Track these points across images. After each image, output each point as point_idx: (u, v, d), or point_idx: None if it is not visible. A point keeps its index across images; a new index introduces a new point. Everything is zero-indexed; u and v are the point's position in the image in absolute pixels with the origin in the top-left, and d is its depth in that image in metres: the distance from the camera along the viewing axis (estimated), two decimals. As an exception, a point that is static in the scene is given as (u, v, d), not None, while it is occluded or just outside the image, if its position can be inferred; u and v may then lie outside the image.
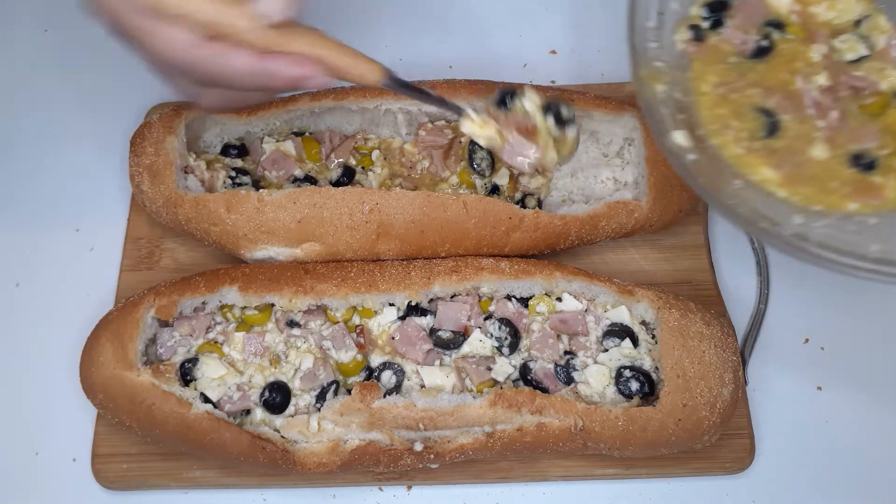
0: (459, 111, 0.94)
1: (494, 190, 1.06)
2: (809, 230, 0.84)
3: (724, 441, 0.97)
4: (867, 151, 0.89)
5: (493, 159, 1.07)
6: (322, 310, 0.98)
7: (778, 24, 0.96)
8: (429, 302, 0.98)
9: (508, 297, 0.99)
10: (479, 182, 1.07)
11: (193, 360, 0.95)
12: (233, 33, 0.78)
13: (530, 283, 0.98)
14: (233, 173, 1.07)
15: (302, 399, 0.94)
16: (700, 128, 0.90)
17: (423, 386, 0.94)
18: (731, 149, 0.90)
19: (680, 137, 0.87)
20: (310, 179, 1.07)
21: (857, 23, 0.96)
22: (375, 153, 1.09)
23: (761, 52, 0.95)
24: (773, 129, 0.90)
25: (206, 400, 0.93)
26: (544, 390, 0.94)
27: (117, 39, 0.84)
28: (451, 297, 0.98)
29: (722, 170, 0.88)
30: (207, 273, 0.99)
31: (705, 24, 0.96)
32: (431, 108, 1.07)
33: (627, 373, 0.93)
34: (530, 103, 0.92)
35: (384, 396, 0.92)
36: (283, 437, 0.92)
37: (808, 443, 1.00)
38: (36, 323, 1.09)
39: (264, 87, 0.82)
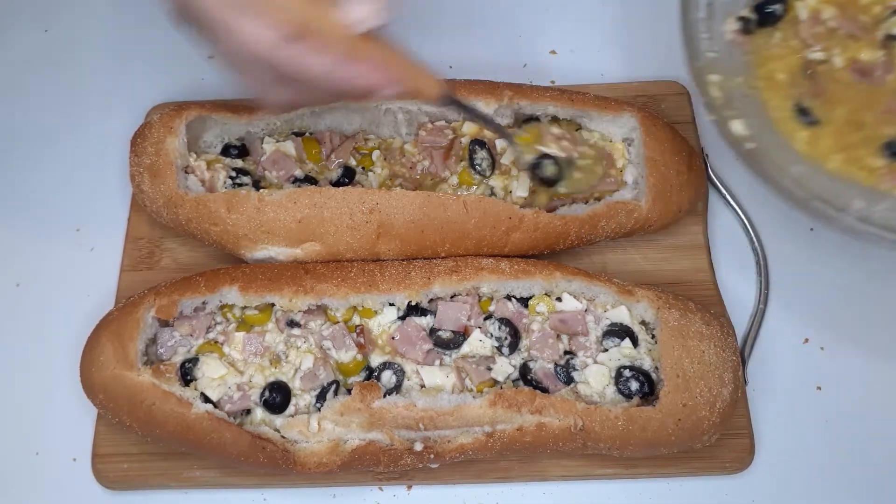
0: (508, 137, 0.97)
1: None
2: (871, 213, 0.88)
3: (724, 441, 0.96)
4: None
5: (494, 159, 1.07)
6: (322, 310, 0.98)
7: None
8: (429, 302, 0.99)
9: (508, 297, 0.99)
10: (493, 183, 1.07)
11: (194, 360, 0.95)
12: (319, 35, 0.78)
13: (530, 283, 0.98)
14: (233, 173, 1.07)
15: (302, 399, 0.94)
16: (763, 115, 0.95)
17: (423, 386, 0.94)
18: (796, 131, 0.95)
19: (739, 127, 0.91)
20: (310, 180, 1.07)
21: None
22: (376, 153, 1.09)
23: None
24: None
25: (207, 400, 0.93)
26: (544, 390, 0.94)
27: (186, 29, 0.83)
28: (451, 297, 0.98)
29: (782, 155, 0.92)
30: (208, 273, 0.99)
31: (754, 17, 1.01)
32: (432, 108, 1.07)
33: (627, 373, 0.93)
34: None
35: (384, 396, 0.92)
36: (283, 437, 0.92)
37: (808, 443, 1.00)
38: (36, 323, 1.09)
39: (339, 92, 0.82)
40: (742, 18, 1.02)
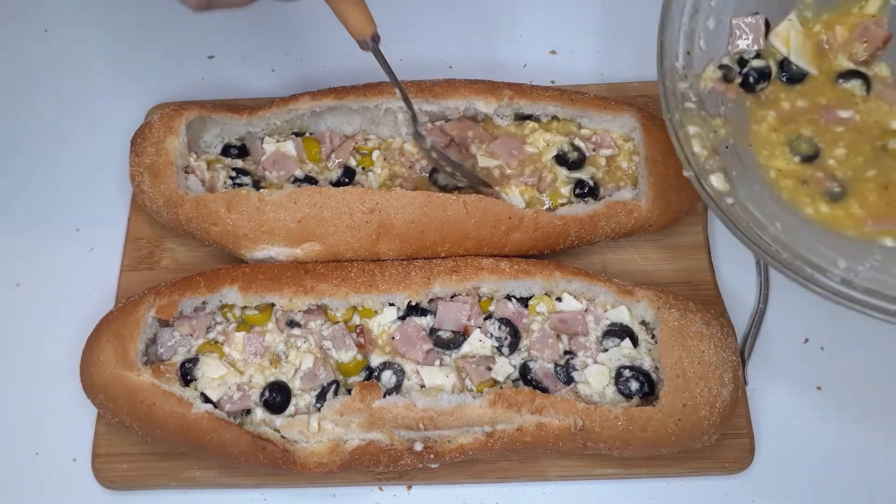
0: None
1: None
2: (855, 275, 0.82)
3: (724, 441, 0.97)
4: None
5: None
6: (322, 310, 0.98)
7: None
8: (429, 302, 0.99)
9: (508, 297, 0.99)
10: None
11: (194, 360, 0.95)
12: None
13: (530, 283, 0.98)
14: (233, 173, 1.07)
15: (302, 399, 0.94)
16: (749, 163, 0.90)
17: (423, 386, 0.94)
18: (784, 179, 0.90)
19: (717, 181, 0.86)
20: (310, 180, 1.07)
21: None
22: (376, 153, 1.09)
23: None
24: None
25: (207, 400, 0.93)
26: (544, 390, 0.94)
27: None
28: (451, 297, 0.98)
29: (763, 210, 0.87)
30: (208, 273, 0.99)
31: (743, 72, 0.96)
32: (432, 108, 1.07)
33: (627, 373, 0.93)
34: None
35: (384, 396, 0.92)
36: (283, 437, 0.92)
37: (808, 442, 1.00)
38: (36, 323, 1.09)
39: None
40: (723, 66, 0.97)
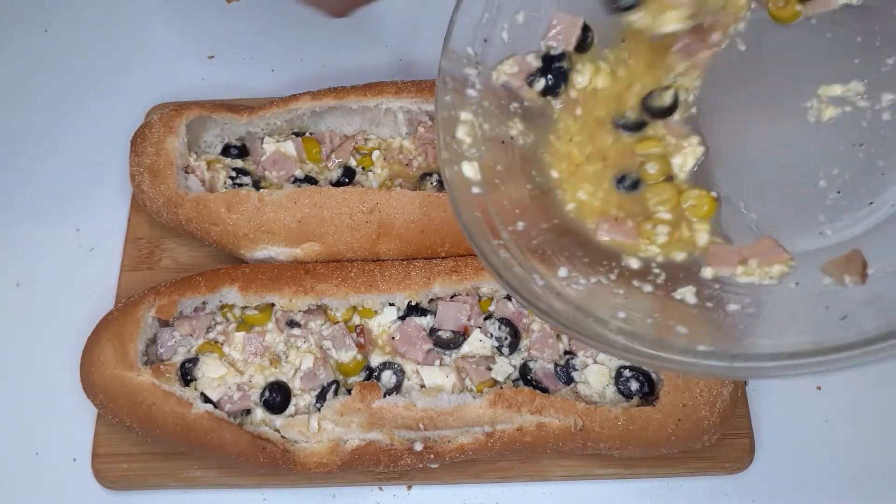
0: None
1: None
2: (567, 286, 0.76)
3: (724, 441, 0.97)
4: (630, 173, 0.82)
5: None
6: (322, 310, 0.98)
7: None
8: (429, 302, 0.99)
9: (508, 297, 0.99)
10: None
11: (194, 360, 0.95)
12: None
13: (530, 283, 0.98)
14: (233, 173, 1.07)
15: (302, 399, 0.94)
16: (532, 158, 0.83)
17: (423, 386, 0.94)
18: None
19: (469, 170, 0.80)
20: (310, 180, 1.07)
21: None
22: (376, 153, 1.09)
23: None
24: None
25: (207, 400, 0.93)
26: (544, 390, 0.94)
27: None
28: (451, 297, 0.98)
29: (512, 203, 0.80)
30: (208, 273, 0.99)
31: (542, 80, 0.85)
32: (432, 107, 1.07)
33: (627, 372, 0.93)
34: None
35: (384, 396, 0.92)
36: (283, 437, 0.92)
37: (808, 443, 1.00)
38: (36, 323, 1.09)
39: None
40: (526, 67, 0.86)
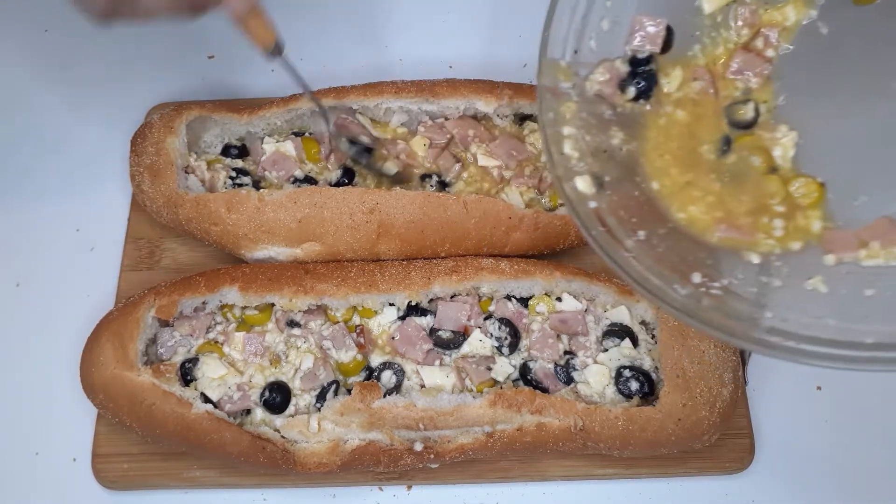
0: (327, 120, 0.99)
1: None
2: (707, 291, 0.75)
3: (724, 441, 0.96)
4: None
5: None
6: (322, 310, 0.98)
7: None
8: (429, 302, 0.99)
9: (508, 297, 0.99)
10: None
11: (194, 360, 0.95)
12: None
13: (530, 282, 0.98)
14: (233, 173, 1.07)
15: (302, 399, 0.94)
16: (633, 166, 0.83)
17: (423, 386, 0.94)
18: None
19: (583, 184, 0.80)
20: (310, 180, 1.07)
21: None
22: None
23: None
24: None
25: (207, 400, 0.93)
26: (544, 390, 0.94)
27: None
28: (451, 297, 0.98)
29: (629, 215, 0.80)
30: (208, 273, 0.99)
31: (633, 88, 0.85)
32: (432, 107, 1.07)
33: (627, 373, 0.93)
34: None
35: (384, 396, 0.92)
36: (283, 437, 0.92)
37: (808, 443, 1.00)
38: (36, 323, 1.09)
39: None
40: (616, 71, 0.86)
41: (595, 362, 0.95)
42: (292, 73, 0.94)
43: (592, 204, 0.79)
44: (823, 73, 0.84)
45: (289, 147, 1.08)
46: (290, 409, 0.94)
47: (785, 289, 0.76)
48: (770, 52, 0.84)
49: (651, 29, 0.85)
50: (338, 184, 1.06)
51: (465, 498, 0.98)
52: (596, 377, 0.94)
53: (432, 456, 0.91)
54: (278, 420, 0.93)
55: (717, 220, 0.80)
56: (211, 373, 0.94)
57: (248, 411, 0.94)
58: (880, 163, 0.82)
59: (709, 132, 0.84)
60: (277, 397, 0.93)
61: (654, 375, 0.94)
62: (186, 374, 0.94)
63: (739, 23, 0.85)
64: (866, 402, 1.02)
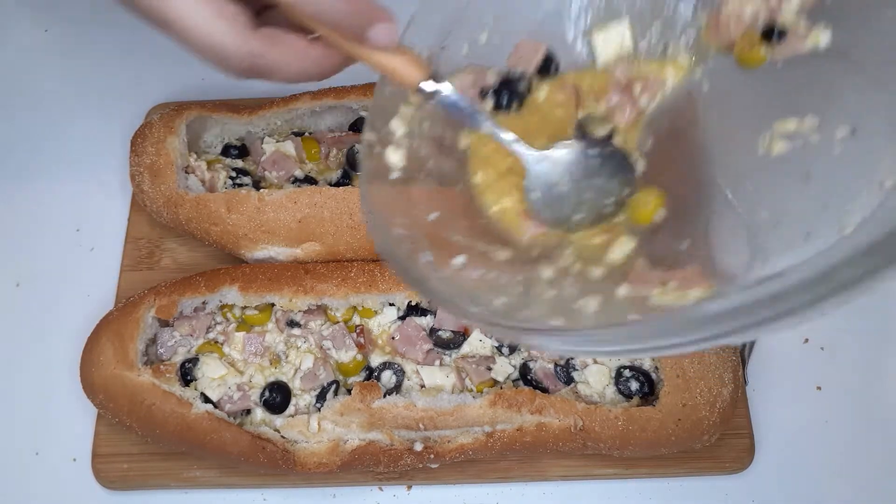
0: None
1: None
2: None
3: (724, 441, 0.96)
4: None
5: None
6: (322, 310, 0.98)
7: None
8: (429, 302, 0.98)
9: (508, 297, 0.99)
10: None
11: (194, 360, 0.95)
12: None
13: (530, 283, 0.98)
14: (233, 173, 1.07)
15: (302, 399, 0.94)
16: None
17: (423, 386, 0.94)
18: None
19: (394, 155, 0.73)
20: (310, 180, 1.07)
21: None
22: (375, 153, 1.09)
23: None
24: None
25: (207, 400, 0.93)
26: (544, 390, 0.94)
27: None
28: (452, 297, 0.98)
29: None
30: (208, 273, 0.99)
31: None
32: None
33: (627, 372, 0.93)
34: None
35: (384, 396, 0.92)
36: (283, 437, 0.92)
37: (808, 443, 1.00)
38: (36, 323, 1.09)
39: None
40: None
41: (595, 362, 0.95)
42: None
43: (395, 175, 0.73)
44: (691, 127, 0.78)
45: (289, 147, 1.08)
46: (290, 409, 0.94)
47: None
48: (644, 101, 0.76)
49: (530, 50, 0.78)
50: (338, 184, 1.06)
51: (465, 498, 0.98)
52: (596, 377, 0.94)
53: (432, 456, 0.91)
54: (278, 420, 0.93)
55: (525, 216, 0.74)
56: (211, 373, 0.94)
57: (248, 411, 0.94)
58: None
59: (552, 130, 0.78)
60: (277, 397, 0.93)
61: (654, 375, 0.94)
62: (186, 375, 0.94)
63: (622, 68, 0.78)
64: (866, 402, 1.02)
